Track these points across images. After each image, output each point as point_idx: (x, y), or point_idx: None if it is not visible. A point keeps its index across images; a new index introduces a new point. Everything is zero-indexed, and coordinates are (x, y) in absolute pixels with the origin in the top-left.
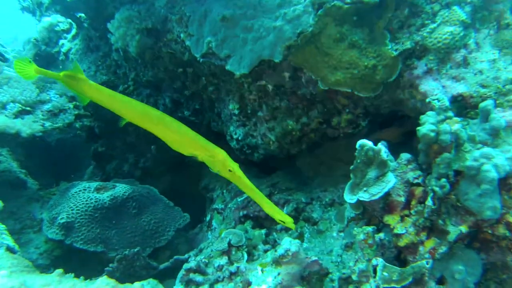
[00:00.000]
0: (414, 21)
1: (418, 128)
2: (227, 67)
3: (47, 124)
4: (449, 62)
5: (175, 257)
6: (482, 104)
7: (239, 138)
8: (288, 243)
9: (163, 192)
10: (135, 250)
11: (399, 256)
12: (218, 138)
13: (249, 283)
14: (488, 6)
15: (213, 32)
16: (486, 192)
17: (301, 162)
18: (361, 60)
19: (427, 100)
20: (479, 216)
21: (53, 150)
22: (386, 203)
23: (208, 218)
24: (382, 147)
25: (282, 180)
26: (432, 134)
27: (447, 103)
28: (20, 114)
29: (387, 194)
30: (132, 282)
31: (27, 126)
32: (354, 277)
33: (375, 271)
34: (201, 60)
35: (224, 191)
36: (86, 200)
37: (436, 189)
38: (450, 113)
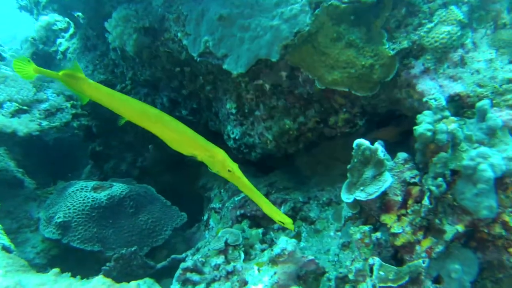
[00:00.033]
0: (412, 20)
1: (415, 127)
2: (224, 66)
3: (44, 123)
4: (446, 61)
5: (172, 256)
6: (479, 104)
7: (237, 137)
8: (284, 243)
9: (161, 191)
10: (132, 249)
11: (396, 256)
12: (216, 137)
13: (246, 282)
14: (485, 5)
15: (210, 31)
16: (482, 191)
17: (299, 162)
18: (358, 60)
19: (424, 99)
20: (475, 215)
21: (50, 149)
22: (383, 203)
23: (205, 217)
24: (378, 147)
25: (280, 179)
26: (429, 133)
27: (443, 103)
28: (17, 113)
29: (384, 194)
30: (129, 281)
31: (23, 125)
32: (350, 276)
33: (371, 270)
34: (198, 59)
35: (222, 190)
36: (83, 199)
37: (433, 188)
38: (446, 113)
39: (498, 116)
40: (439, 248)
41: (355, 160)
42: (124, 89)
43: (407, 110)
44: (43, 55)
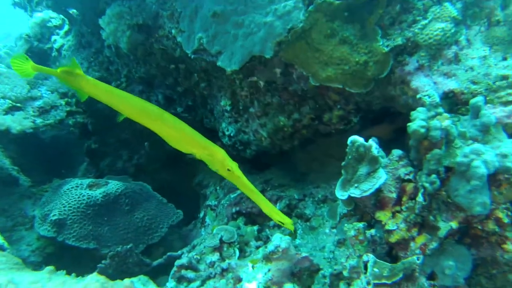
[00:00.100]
0: (406, 17)
1: (408, 124)
2: (218, 63)
3: (38, 120)
4: (441, 58)
5: (168, 253)
6: (472, 101)
7: (231, 134)
8: (278, 240)
9: (157, 188)
10: (128, 246)
11: (391, 252)
12: (211, 135)
13: (240, 280)
14: (479, 2)
15: (204, 28)
16: (475, 188)
17: (295, 159)
18: (352, 56)
19: (418, 96)
20: (469, 212)
21: (47, 147)
22: (378, 200)
23: (201, 215)
24: (373, 143)
25: (275, 176)
26: (423, 130)
27: (437, 99)
28: (10, 110)
29: (379, 191)
30: (124, 279)
31: (17, 123)
32: (345, 273)
33: (366, 267)
34: (192, 56)
35: (218, 187)
36: (79, 197)
37: (427, 185)
38: (440, 109)
39: (491, 113)
40: (433, 244)
41: (350, 157)
42: (119, 87)
43: (402, 107)
44: (38, 52)
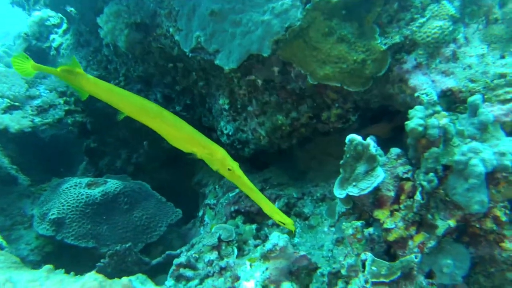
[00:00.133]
0: (404, 15)
1: (406, 122)
2: (216, 62)
3: (37, 119)
4: (439, 56)
5: (167, 252)
6: (470, 99)
7: (230, 133)
8: (276, 238)
9: (157, 187)
10: (127, 245)
11: (389, 251)
12: (210, 133)
13: (238, 278)
14: (477, 0)
15: (201, 27)
16: (473, 186)
17: (294, 157)
18: (350, 55)
19: (416, 94)
20: (467, 210)
21: (46, 146)
22: (376, 198)
23: (200, 214)
24: (370, 142)
25: (274, 175)
26: (420, 128)
27: (435, 98)
28: (8, 109)
29: (377, 189)
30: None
31: (15, 122)
32: (343, 271)
33: (364, 266)
34: (190, 55)
35: (217, 186)
36: (77, 196)
37: (424, 183)
38: (438, 108)
39: (489, 111)
40: (431, 243)
41: (348, 156)
42: (117, 85)
43: (400, 106)
44: (37, 51)
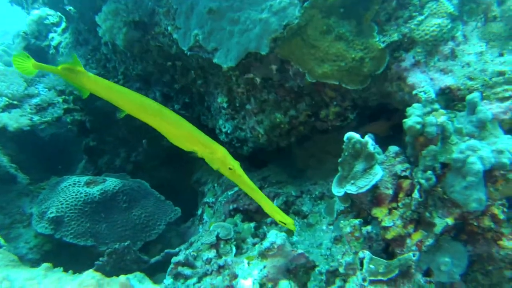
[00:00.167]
0: (402, 13)
1: (404, 120)
2: (214, 60)
3: (35, 118)
4: (437, 54)
5: (166, 250)
6: (469, 97)
7: (228, 131)
8: (274, 236)
9: (156, 186)
10: (125, 244)
11: (387, 249)
12: (209, 131)
13: (236, 276)
14: None
15: (200, 25)
16: (471, 184)
17: (294, 155)
18: (348, 53)
19: (414, 92)
20: (464, 208)
21: (46, 145)
22: (374, 196)
23: (199, 212)
24: (369, 140)
25: (273, 173)
26: (418, 126)
27: (433, 95)
28: (7, 108)
29: (375, 187)
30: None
31: (14, 120)
32: (341, 269)
33: (362, 264)
34: (188, 53)
35: (215, 184)
36: (76, 194)
37: (422, 181)
38: (436, 105)
39: (488, 109)
40: (429, 241)
41: (346, 154)
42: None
43: (398, 103)
44: (36, 50)
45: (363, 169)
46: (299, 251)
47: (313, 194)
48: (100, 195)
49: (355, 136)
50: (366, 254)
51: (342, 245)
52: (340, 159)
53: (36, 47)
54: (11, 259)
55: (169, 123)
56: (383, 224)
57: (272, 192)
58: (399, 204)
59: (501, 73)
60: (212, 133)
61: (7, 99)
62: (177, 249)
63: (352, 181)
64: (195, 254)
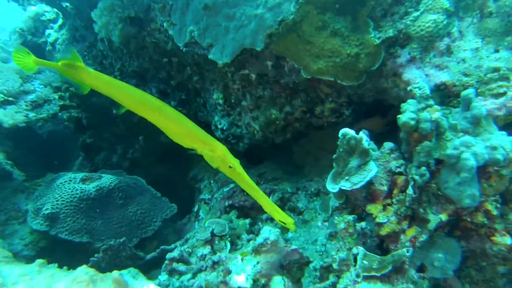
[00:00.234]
0: (398, 9)
1: (398, 116)
2: (210, 56)
3: (31, 114)
4: (433, 50)
5: (161, 247)
6: (463, 93)
7: (224, 128)
8: (267, 232)
9: (153, 183)
10: (121, 240)
11: (382, 245)
12: (205, 128)
13: (229, 272)
14: None
15: (195, 21)
16: (465, 180)
17: (289, 152)
18: (344, 48)
19: (409, 88)
20: (458, 204)
21: (44, 142)
22: (369, 192)
23: (196, 209)
24: (363, 136)
25: (269, 170)
26: (412, 122)
27: (427, 91)
28: (2, 104)
29: (370, 183)
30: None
31: (9, 117)
32: (334, 265)
33: (355, 260)
34: (184, 49)
35: (212, 181)
36: (72, 191)
37: (416, 177)
38: (431, 101)
39: (482, 105)
40: (423, 237)
41: (341, 150)
42: None
43: (394, 100)
44: (32, 46)
45: (358, 165)
46: (293, 247)
47: (308, 190)
48: (96, 191)
49: (350, 132)
50: (360, 250)
51: (336, 241)
52: (335, 155)
53: (33, 44)
54: (5, 255)
55: (169, 119)
56: (377, 220)
57: (268, 188)
58: (394, 200)
59: (496, 69)
60: (208, 129)
61: (2, 96)
62: (172, 246)
63: (346, 178)
64: (190, 250)
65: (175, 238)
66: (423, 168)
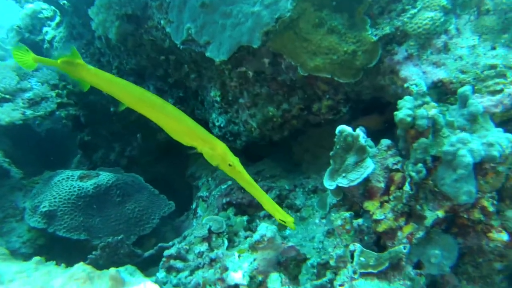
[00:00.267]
0: (395, 6)
1: (395, 113)
2: (207, 54)
3: (28, 112)
4: (430, 47)
5: (159, 244)
6: (460, 90)
7: (222, 125)
8: (264, 229)
9: (150, 180)
10: (119, 237)
11: (379, 242)
12: (203, 126)
13: (226, 269)
14: None
15: (192, 18)
16: (461, 177)
17: (288, 150)
18: (341, 46)
19: (405, 85)
20: (455, 201)
21: (43, 140)
22: (366, 189)
23: (194, 206)
24: (360, 133)
25: (268, 167)
26: (409, 119)
27: (424, 88)
28: None
29: (367, 180)
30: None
31: (5, 114)
32: (331, 262)
33: (352, 257)
34: (181, 47)
35: (209, 178)
36: (69, 189)
37: (413, 174)
38: (427, 98)
39: (479, 102)
40: (420, 234)
41: (338, 147)
42: None
43: (391, 97)
44: (30, 44)
45: (355, 162)
46: (290, 244)
47: (306, 187)
48: (93, 189)
49: (347, 129)
50: (356, 246)
51: (334, 238)
52: (332, 152)
53: (30, 41)
54: (2, 253)
55: (169, 117)
56: (374, 217)
57: (266, 185)
58: (391, 197)
59: (492, 66)
60: (205, 127)
61: None
62: (170, 243)
63: (343, 174)
64: (187, 248)
65: (173, 236)
66: (420, 164)
